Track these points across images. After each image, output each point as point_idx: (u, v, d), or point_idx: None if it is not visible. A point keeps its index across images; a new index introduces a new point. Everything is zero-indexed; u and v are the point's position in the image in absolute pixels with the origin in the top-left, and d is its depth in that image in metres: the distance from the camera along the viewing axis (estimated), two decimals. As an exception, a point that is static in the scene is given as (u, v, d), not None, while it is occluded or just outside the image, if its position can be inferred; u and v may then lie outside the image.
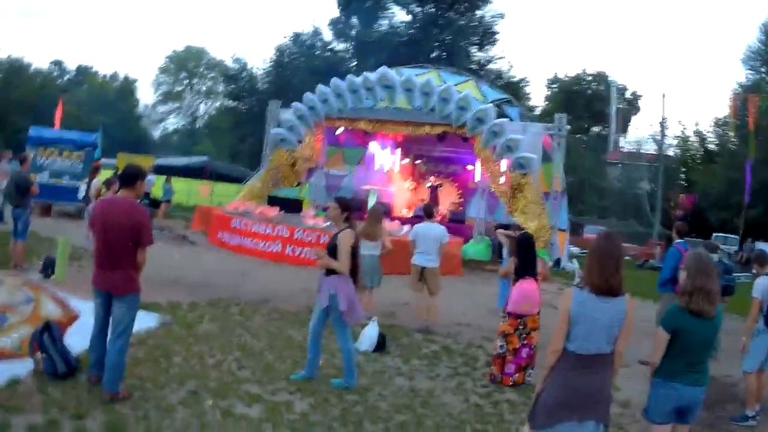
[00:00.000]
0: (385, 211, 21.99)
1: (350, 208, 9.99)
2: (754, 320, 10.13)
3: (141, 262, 8.10)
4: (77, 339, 8.99)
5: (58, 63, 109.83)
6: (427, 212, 15.03)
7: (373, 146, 37.05)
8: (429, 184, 37.84)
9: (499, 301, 15.59)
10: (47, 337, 8.47)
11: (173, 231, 26.47)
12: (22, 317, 9.98)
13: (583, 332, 5.59)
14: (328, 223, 23.33)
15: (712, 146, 65.27)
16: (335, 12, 67.79)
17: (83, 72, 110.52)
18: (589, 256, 5.77)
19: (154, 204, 26.78)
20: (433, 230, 14.28)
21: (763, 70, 62.53)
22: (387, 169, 38.73)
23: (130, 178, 8.20)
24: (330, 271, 9.47)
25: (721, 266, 13.65)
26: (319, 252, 9.75)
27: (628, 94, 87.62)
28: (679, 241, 13.45)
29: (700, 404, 6.47)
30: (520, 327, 10.69)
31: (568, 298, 5.73)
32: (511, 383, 10.56)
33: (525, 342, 10.69)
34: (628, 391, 10.28)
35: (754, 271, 11.19)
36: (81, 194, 26.50)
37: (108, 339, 8.09)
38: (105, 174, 21.67)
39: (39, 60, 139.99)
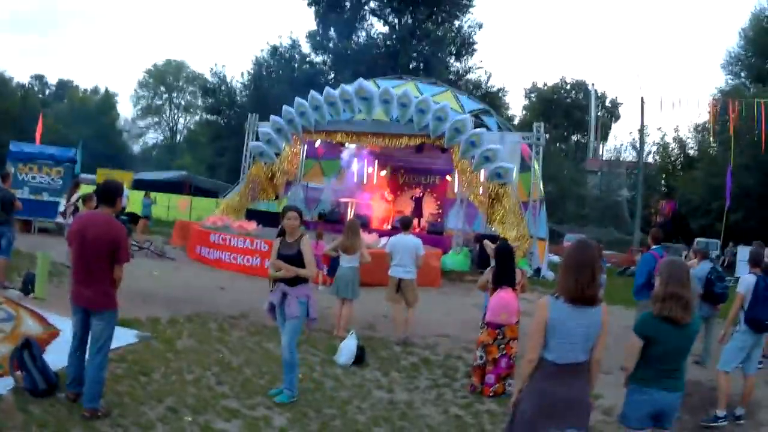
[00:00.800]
0: (362, 223, 22.00)
1: (302, 215, 9.93)
2: (736, 313, 10.22)
3: (118, 278, 8.05)
4: (57, 356, 8.99)
5: (39, 77, 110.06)
6: (403, 224, 15.04)
7: (351, 158, 37.07)
8: (413, 196, 37.96)
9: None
10: (27, 354, 8.44)
11: (154, 245, 26.33)
12: (2, 335, 9.99)
13: (560, 342, 5.62)
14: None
15: (692, 152, 65.48)
16: (313, 24, 67.86)
17: (64, 86, 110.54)
18: (564, 266, 5.77)
19: (134, 219, 26.69)
20: (409, 242, 14.27)
21: (743, 75, 62.90)
22: (365, 181, 38.79)
23: (108, 194, 8.17)
24: (294, 281, 9.39)
25: (714, 273, 13.69)
26: (280, 263, 9.43)
27: (607, 102, 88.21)
28: (655, 247, 13.50)
29: (676, 410, 6.49)
30: (499, 337, 10.71)
31: (543, 307, 5.74)
32: (491, 393, 10.58)
33: (504, 352, 10.71)
34: (611, 398, 10.26)
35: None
36: (61, 209, 26.46)
37: (87, 356, 8.07)
38: (85, 189, 21.61)
39: (20, 74, 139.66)
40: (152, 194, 36.46)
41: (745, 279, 10.29)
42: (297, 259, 9.35)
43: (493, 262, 11.88)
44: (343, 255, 14.28)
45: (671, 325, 6.20)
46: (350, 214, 34.49)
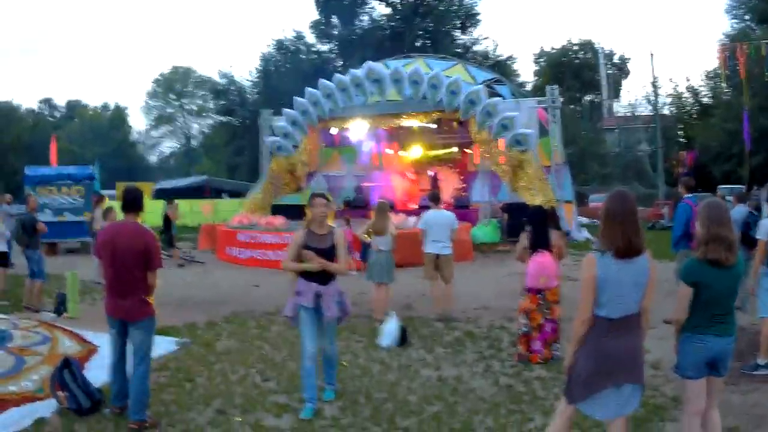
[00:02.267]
0: (390, 205, 21.91)
1: (333, 202, 8.92)
2: (762, 260, 10.09)
3: (153, 285, 7.98)
4: (98, 372, 8.92)
5: (47, 101, 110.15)
6: (434, 199, 14.89)
7: (370, 142, 36.98)
8: (430, 173, 37.92)
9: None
10: (67, 373, 8.35)
11: (183, 251, 26.22)
12: (41, 357, 9.92)
13: (611, 296, 5.56)
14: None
15: (706, 100, 65.25)
16: (315, 14, 67.77)
17: (73, 107, 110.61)
18: (607, 219, 5.62)
19: (167, 223, 26.23)
20: (443, 217, 14.18)
21: (747, 18, 62.71)
22: (385, 163, 38.71)
23: (132, 201, 8.05)
24: (326, 278, 8.53)
25: (752, 218, 13.54)
26: (312, 255, 8.39)
27: (616, 59, 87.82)
28: (688, 195, 13.35)
29: (730, 355, 6.38)
30: (541, 302, 10.61)
31: (591, 264, 5.64)
32: (539, 360, 10.51)
33: (548, 317, 10.63)
34: (657, 352, 10.23)
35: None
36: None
37: (130, 367, 7.97)
38: (109, 204, 21.53)
39: (28, 100, 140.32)
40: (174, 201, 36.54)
41: (765, 224, 10.19)
42: (331, 254, 8.51)
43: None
44: (375, 239, 14.15)
45: (717, 267, 6.12)
46: (376, 198, 34.52)
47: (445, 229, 14.00)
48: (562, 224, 26.61)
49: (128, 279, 7.84)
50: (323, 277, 8.50)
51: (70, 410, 8.09)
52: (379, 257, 14.09)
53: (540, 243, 10.82)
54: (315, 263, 8.38)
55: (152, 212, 40.20)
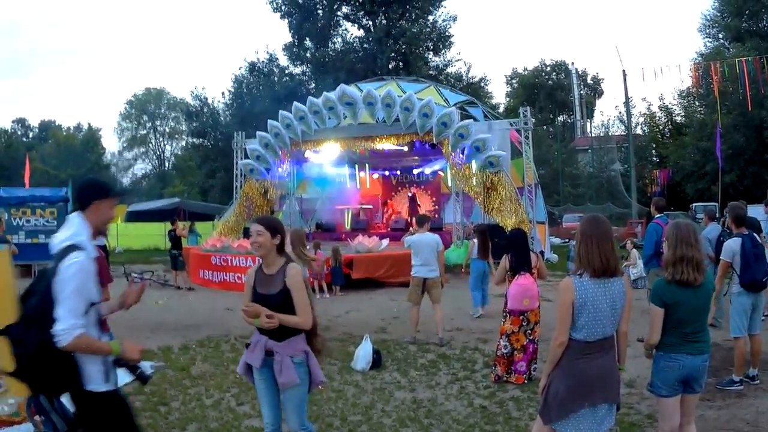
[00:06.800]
0: (360, 228, 21.84)
1: (281, 231, 6.39)
2: (722, 280, 10.30)
3: (106, 300, 7.95)
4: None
5: (20, 121, 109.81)
6: (419, 222, 14.66)
7: (343, 165, 36.99)
8: (410, 194, 38.02)
9: (473, 303, 15.81)
10: (44, 397, 8.33)
11: (156, 275, 26.18)
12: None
13: (589, 319, 5.61)
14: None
15: (679, 119, 65.70)
16: (288, 36, 67.62)
17: (47, 127, 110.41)
18: (584, 241, 5.68)
19: (176, 243, 25.88)
20: (429, 239, 14.04)
21: (720, 36, 63.31)
22: (358, 186, 38.75)
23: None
24: (282, 333, 6.14)
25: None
26: (257, 308, 6.02)
27: (589, 80, 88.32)
28: (659, 215, 13.46)
29: (704, 373, 6.46)
30: (524, 323, 10.71)
31: (569, 288, 5.68)
32: (524, 380, 10.56)
33: (531, 338, 10.77)
34: (632, 370, 10.28)
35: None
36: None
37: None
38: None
39: (1, 120, 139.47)
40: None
41: (730, 245, 10.21)
42: (280, 302, 6.12)
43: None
44: None
45: (686, 287, 6.22)
46: (347, 222, 34.57)
47: (432, 252, 13.91)
48: (535, 245, 26.90)
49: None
50: (278, 331, 6.13)
51: (46, 435, 8.08)
52: None
53: (521, 265, 10.90)
54: (264, 321, 6.04)
55: (124, 235, 40.20)
